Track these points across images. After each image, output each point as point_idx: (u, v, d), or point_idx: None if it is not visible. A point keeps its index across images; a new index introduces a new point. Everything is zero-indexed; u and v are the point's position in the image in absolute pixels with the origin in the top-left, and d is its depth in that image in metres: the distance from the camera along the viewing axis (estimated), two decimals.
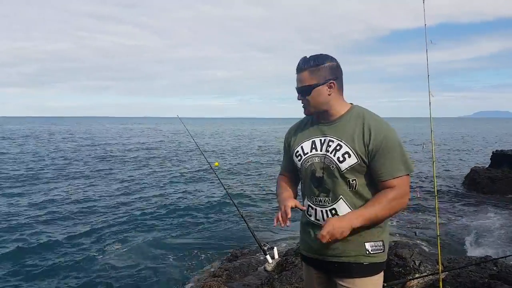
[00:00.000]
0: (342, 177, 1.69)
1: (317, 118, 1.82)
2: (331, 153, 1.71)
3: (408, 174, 1.67)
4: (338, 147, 1.70)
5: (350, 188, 1.69)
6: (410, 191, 1.71)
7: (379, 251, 1.71)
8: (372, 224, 1.68)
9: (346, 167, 1.67)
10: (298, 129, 1.90)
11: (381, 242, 1.72)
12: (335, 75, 1.72)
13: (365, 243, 1.69)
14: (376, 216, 1.65)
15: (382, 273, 1.75)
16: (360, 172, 1.68)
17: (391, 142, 1.65)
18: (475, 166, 13.50)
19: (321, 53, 1.78)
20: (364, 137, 1.66)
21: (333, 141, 1.72)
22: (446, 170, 15.30)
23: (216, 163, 17.41)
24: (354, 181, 1.68)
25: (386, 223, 1.76)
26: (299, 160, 1.83)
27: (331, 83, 1.71)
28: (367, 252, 1.69)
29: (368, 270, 1.70)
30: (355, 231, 1.67)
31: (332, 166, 1.70)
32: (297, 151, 1.83)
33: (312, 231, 1.85)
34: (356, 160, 1.66)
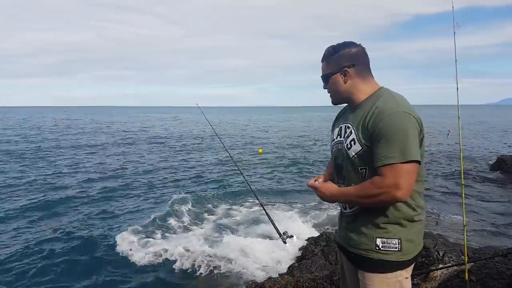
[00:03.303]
0: (352, 165, 1.67)
1: (349, 105, 1.80)
2: (345, 139, 1.70)
3: (405, 163, 1.47)
4: (349, 134, 1.68)
5: (361, 177, 1.63)
6: (410, 184, 1.50)
7: (393, 249, 1.60)
8: (380, 218, 1.60)
9: (353, 154, 1.64)
10: (338, 116, 1.90)
11: (397, 240, 1.60)
12: (352, 62, 1.68)
13: (377, 238, 1.62)
14: (355, 200, 1.62)
15: (399, 273, 1.63)
16: (372, 161, 1.57)
17: (391, 126, 1.50)
18: (502, 155, 13.10)
19: (345, 40, 1.75)
20: (366, 121, 1.59)
21: (349, 127, 1.70)
22: (472, 158, 14.87)
23: (260, 150, 17.37)
24: (363, 170, 1.62)
25: (411, 221, 1.62)
26: (330, 146, 1.87)
27: (345, 70, 1.69)
28: (377, 248, 1.61)
29: (377, 266, 1.63)
30: (367, 225, 1.64)
31: (345, 153, 1.69)
32: (331, 137, 1.87)
33: (341, 218, 1.85)
34: (361, 147, 1.61)
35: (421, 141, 1.59)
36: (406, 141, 1.49)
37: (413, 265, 1.69)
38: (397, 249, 1.60)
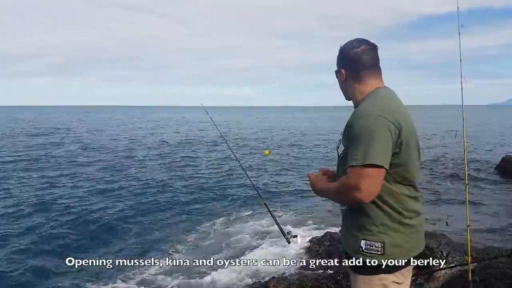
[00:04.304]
0: (341, 164, 1.72)
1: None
2: (338, 139, 1.78)
3: (366, 166, 1.49)
4: (341, 134, 1.75)
5: None
6: (371, 187, 1.50)
7: (375, 252, 1.60)
8: (366, 219, 1.62)
9: (340, 153, 1.72)
10: None
11: (380, 244, 1.59)
12: (347, 64, 1.74)
13: (361, 240, 1.63)
14: (332, 196, 1.72)
15: (384, 276, 1.62)
16: None
17: (359, 129, 1.54)
18: (506, 155, 13.02)
19: (357, 38, 1.77)
20: (348, 123, 1.64)
21: (344, 127, 1.74)
22: (477, 158, 14.79)
23: (267, 152, 17.38)
24: None
25: (399, 224, 1.61)
26: None
27: (341, 70, 1.77)
28: (360, 249, 1.63)
29: (360, 268, 1.64)
30: (355, 225, 1.67)
31: (337, 152, 1.78)
32: None
33: (342, 218, 1.87)
34: (344, 148, 1.67)
35: (401, 144, 1.57)
36: (370, 145, 1.50)
37: (406, 269, 1.67)
38: (379, 253, 1.60)
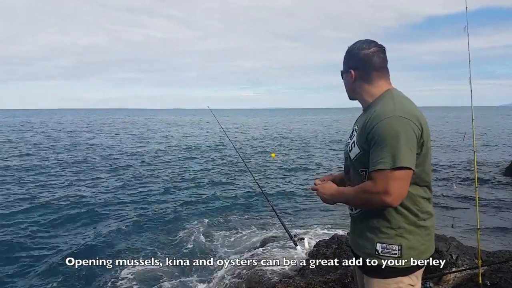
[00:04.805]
0: (353, 167, 1.70)
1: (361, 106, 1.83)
2: (350, 141, 1.74)
3: (395, 169, 1.46)
4: (353, 136, 1.72)
5: (362, 179, 1.64)
6: (400, 190, 1.49)
7: (392, 255, 1.58)
8: (382, 222, 1.60)
9: (353, 156, 1.68)
10: (358, 118, 1.90)
11: (397, 247, 1.58)
12: (357, 65, 1.71)
13: (377, 243, 1.61)
14: (350, 201, 1.68)
15: (400, 279, 1.61)
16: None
17: (383, 131, 1.50)
18: None
19: (367, 39, 1.76)
20: (365, 125, 1.60)
21: (355, 130, 1.73)
22: (486, 160, 14.63)
23: (273, 154, 17.37)
24: (364, 172, 1.63)
25: (414, 227, 1.60)
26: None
27: (350, 71, 1.74)
28: (376, 253, 1.61)
29: (376, 271, 1.63)
30: (369, 229, 1.64)
31: (348, 155, 1.75)
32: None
33: (351, 221, 1.85)
34: (359, 150, 1.63)
35: (422, 145, 1.57)
36: (397, 147, 1.48)
37: (419, 272, 1.67)
38: (396, 255, 1.59)
